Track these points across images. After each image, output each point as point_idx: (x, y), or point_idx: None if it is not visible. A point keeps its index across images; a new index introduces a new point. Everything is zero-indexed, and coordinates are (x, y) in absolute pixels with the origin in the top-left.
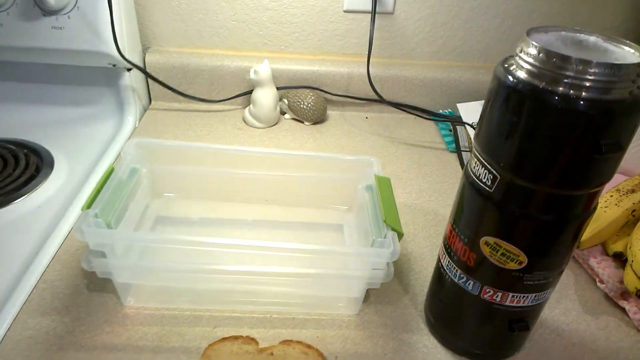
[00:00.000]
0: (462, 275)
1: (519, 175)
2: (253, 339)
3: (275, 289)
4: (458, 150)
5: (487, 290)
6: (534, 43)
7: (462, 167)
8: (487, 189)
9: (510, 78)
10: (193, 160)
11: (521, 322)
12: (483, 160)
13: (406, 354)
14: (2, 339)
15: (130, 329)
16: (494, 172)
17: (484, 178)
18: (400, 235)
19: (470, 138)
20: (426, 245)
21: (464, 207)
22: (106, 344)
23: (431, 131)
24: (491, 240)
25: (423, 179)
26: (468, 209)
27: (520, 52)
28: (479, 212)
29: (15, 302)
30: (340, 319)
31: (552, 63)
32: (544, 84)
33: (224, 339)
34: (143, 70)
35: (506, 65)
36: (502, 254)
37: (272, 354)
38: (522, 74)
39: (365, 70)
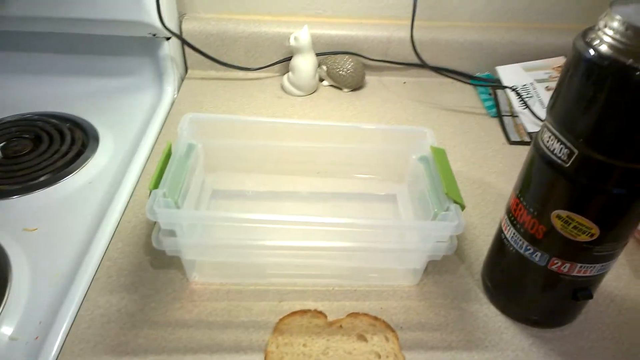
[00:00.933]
0: (528, 247)
1: (599, 151)
2: (321, 313)
3: (336, 262)
4: (499, 116)
5: (555, 261)
6: (620, 18)
7: (504, 133)
8: (562, 163)
9: (593, 53)
10: (244, 134)
11: (585, 291)
12: (559, 135)
13: (468, 322)
14: (75, 317)
15: (199, 304)
16: (571, 147)
17: (559, 152)
18: (462, 208)
19: (510, 102)
20: (476, 214)
21: (534, 179)
22: (178, 320)
23: (470, 96)
24: (563, 213)
25: (466, 146)
26: (538, 182)
27: (605, 26)
28: (551, 186)
29: (81, 281)
30: (401, 290)
31: None
32: (631, 60)
33: (294, 313)
34: (183, 39)
35: (587, 40)
36: (574, 227)
37: (341, 326)
38: (606, 49)
39: (404, 34)
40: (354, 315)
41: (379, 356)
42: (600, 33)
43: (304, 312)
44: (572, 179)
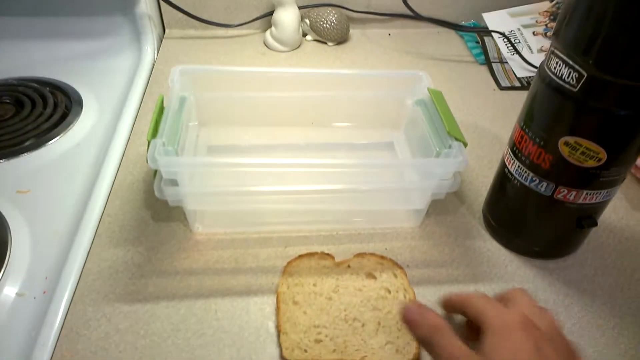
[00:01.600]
0: (534, 178)
1: (608, 71)
2: (329, 254)
3: (339, 206)
4: (488, 62)
5: (562, 190)
6: None
7: (494, 79)
8: (570, 88)
9: None
10: (236, 86)
11: (590, 219)
12: (567, 59)
13: (472, 258)
14: (82, 271)
15: (205, 253)
16: (580, 70)
17: (568, 77)
18: (465, 145)
19: (499, 49)
20: (472, 157)
21: (539, 109)
22: (186, 269)
23: (456, 44)
24: (571, 139)
25: (457, 94)
26: (544, 110)
27: None
28: (558, 112)
29: (84, 237)
30: (405, 231)
31: None
32: None
33: (301, 256)
34: None
35: None
36: (582, 153)
37: (349, 266)
38: None
39: None
40: (360, 255)
41: (389, 291)
42: None
43: (311, 254)
44: (580, 103)
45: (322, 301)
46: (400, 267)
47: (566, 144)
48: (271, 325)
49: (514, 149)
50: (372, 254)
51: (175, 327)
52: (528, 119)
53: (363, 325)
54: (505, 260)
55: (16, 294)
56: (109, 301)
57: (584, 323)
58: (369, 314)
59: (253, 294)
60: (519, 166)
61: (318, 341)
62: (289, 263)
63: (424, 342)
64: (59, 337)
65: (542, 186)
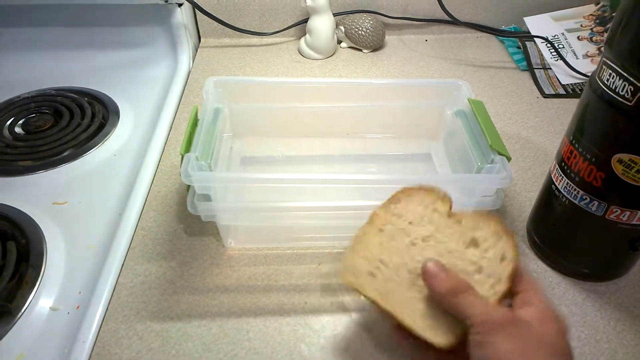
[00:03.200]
0: (584, 197)
1: None
2: (449, 199)
3: None
4: (530, 69)
5: (615, 210)
6: None
7: (537, 86)
8: (625, 102)
9: None
10: (270, 97)
11: None
12: (621, 71)
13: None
14: (115, 286)
15: (237, 269)
16: (636, 83)
17: (622, 90)
18: (508, 159)
19: (541, 54)
20: (516, 170)
21: (591, 123)
22: (218, 286)
23: (497, 50)
24: (625, 157)
25: (498, 102)
26: (597, 125)
27: None
28: (612, 128)
29: (117, 250)
30: None
31: None
32: None
33: (421, 187)
34: (195, 4)
35: None
36: (637, 171)
37: (460, 222)
38: None
39: None
40: (483, 216)
41: (479, 272)
42: None
43: (431, 190)
44: (636, 119)
45: (405, 242)
46: (517, 252)
47: (620, 161)
48: (304, 349)
49: (563, 164)
50: (497, 221)
51: (207, 347)
52: (578, 133)
53: (423, 288)
54: (552, 282)
55: (50, 308)
56: (141, 318)
57: (637, 352)
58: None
59: (286, 313)
60: (567, 183)
61: (372, 275)
62: (402, 190)
63: (448, 298)
64: (90, 355)
65: (593, 205)
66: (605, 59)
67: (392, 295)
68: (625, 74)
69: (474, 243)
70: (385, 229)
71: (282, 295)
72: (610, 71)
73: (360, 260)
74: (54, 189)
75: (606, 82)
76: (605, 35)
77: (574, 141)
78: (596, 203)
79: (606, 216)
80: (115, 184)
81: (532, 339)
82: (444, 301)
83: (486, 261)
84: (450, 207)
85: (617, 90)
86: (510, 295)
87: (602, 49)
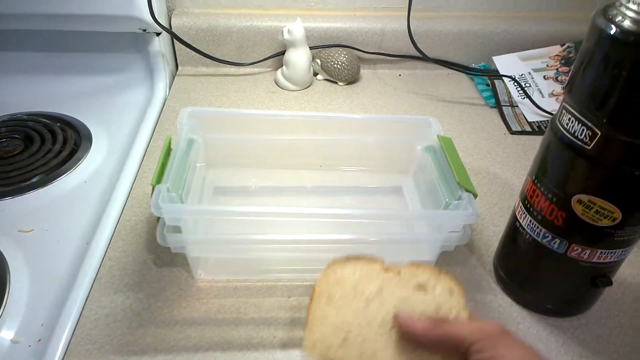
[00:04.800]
0: (546, 234)
1: (623, 131)
2: (378, 259)
3: None
4: (498, 106)
5: (575, 248)
6: None
7: (505, 123)
8: (584, 145)
9: (616, 29)
10: (244, 128)
11: (605, 278)
12: (580, 116)
13: (482, 313)
14: (79, 317)
15: (206, 302)
16: (594, 128)
17: (581, 135)
18: (475, 196)
19: (509, 92)
20: (483, 205)
21: (552, 164)
22: (186, 319)
23: (467, 87)
24: (585, 198)
25: (468, 137)
26: (557, 166)
27: (628, 1)
28: (571, 169)
29: (83, 281)
30: None
31: None
32: None
33: (348, 257)
34: (174, 34)
35: (609, 16)
36: (596, 212)
37: (399, 273)
38: (629, 25)
39: (398, 26)
40: (414, 265)
41: (440, 309)
42: (622, 9)
43: (358, 257)
44: (594, 162)
45: (360, 301)
46: (459, 285)
47: (579, 202)
48: None
49: (526, 202)
50: (429, 266)
51: None
52: (540, 173)
53: (395, 340)
54: (517, 317)
55: (11, 340)
56: (105, 353)
57: None
58: None
59: (254, 348)
60: (530, 221)
61: (345, 340)
62: (333, 262)
63: (434, 332)
64: None
65: (555, 243)
66: (565, 104)
67: (374, 354)
68: (583, 119)
69: (420, 287)
70: (334, 296)
71: (251, 328)
72: (569, 115)
73: (324, 333)
74: (21, 216)
75: (566, 126)
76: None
77: (536, 180)
78: (558, 241)
79: (567, 254)
80: (84, 212)
81: (525, 345)
82: (429, 336)
83: (439, 298)
84: (383, 265)
85: (576, 135)
86: None
87: None
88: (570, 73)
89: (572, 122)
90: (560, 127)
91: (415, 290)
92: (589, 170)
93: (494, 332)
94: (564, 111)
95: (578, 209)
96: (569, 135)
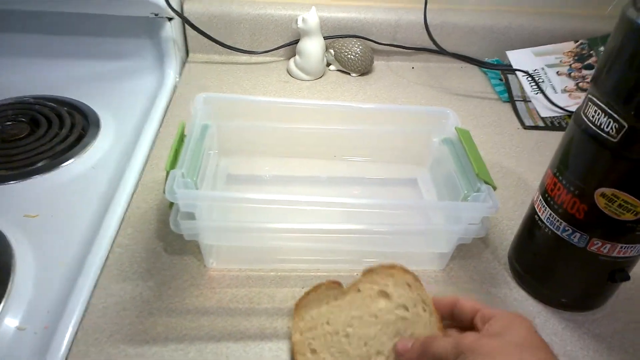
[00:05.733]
0: (567, 228)
1: None
2: (335, 282)
3: (360, 247)
4: (512, 100)
5: (595, 242)
6: None
7: (518, 118)
8: (609, 138)
9: None
10: (259, 116)
11: (623, 272)
12: (607, 108)
13: (498, 307)
14: (87, 306)
15: (218, 291)
16: (621, 120)
17: (607, 127)
18: (494, 189)
19: (522, 87)
20: (498, 198)
21: (575, 156)
22: (198, 308)
23: (481, 81)
24: (608, 191)
25: (481, 131)
26: (581, 159)
27: None
28: (595, 162)
29: (91, 268)
30: (428, 275)
31: None
32: None
33: (307, 293)
34: (186, 19)
35: None
36: (619, 206)
37: (359, 290)
38: None
39: (413, 17)
40: (369, 271)
41: (407, 309)
42: None
43: (317, 287)
44: (620, 155)
45: (339, 341)
46: (412, 274)
47: (603, 195)
48: None
49: (546, 195)
50: (381, 266)
51: None
52: (562, 165)
53: (387, 357)
54: (532, 311)
55: (16, 327)
56: (114, 342)
57: None
58: (391, 343)
59: (267, 338)
60: (550, 214)
61: None
62: (296, 305)
63: (422, 358)
64: None
65: (575, 237)
66: (590, 96)
67: None
68: (610, 112)
69: (382, 295)
70: (315, 346)
71: (264, 319)
72: (595, 108)
73: None
74: (26, 200)
75: (591, 119)
76: (584, 71)
77: (557, 173)
78: (578, 235)
79: (587, 248)
80: (91, 198)
81: (504, 346)
82: None
83: (401, 298)
84: (342, 287)
85: (601, 127)
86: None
87: (580, 84)
88: (597, 65)
89: (597, 114)
90: (585, 119)
91: (379, 300)
92: (613, 163)
93: (468, 345)
94: (589, 103)
95: (601, 203)
96: (594, 128)
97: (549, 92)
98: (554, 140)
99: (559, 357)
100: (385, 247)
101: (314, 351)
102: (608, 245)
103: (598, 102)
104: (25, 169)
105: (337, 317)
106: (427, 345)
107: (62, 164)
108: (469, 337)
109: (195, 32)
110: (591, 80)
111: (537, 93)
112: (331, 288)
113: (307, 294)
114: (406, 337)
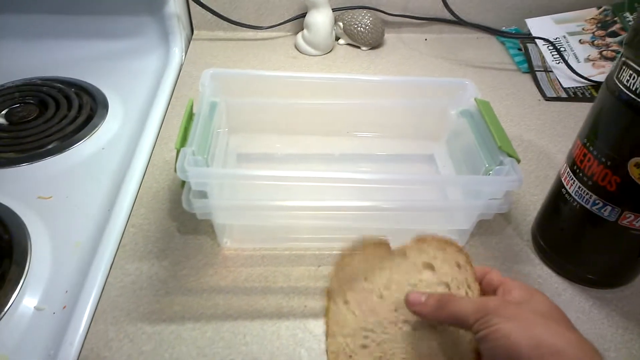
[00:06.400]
0: (597, 201)
1: None
2: (383, 242)
3: (376, 224)
4: (532, 71)
5: (628, 215)
6: None
7: (539, 89)
8: None
9: None
10: (268, 91)
11: None
12: None
13: None
14: (104, 285)
15: (233, 270)
16: None
17: None
18: (518, 162)
19: (543, 56)
20: None
21: (607, 125)
22: (213, 287)
23: (497, 51)
24: None
25: (500, 104)
26: (613, 127)
27: None
28: (629, 130)
29: (107, 248)
30: None
31: None
32: None
33: (354, 245)
34: None
35: None
36: None
37: (405, 255)
38: None
39: None
40: (420, 240)
41: (449, 287)
42: None
43: (365, 242)
44: None
45: (372, 300)
46: (465, 255)
47: (637, 165)
48: (304, 354)
49: (575, 167)
50: (434, 238)
51: (202, 351)
52: (592, 135)
53: (414, 329)
54: (558, 289)
55: (35, 307)
56: (132, 320)
57: None
58: None
59: (284, 317)
60: (579, 187)
61: (364, 347)
62: (341, 255)
63: (439, 313)
64: (78, 358)
65: (605, 210)
66: (625, 59)
67: (395, 355)
68: None
69: (427, 266)
70: (349, 298)
71: (281, 297)
72: (630, 71)
73: (345, 340)
74: (39, 182)
75: (626, 83)
76: (608, 39)
77: (587, 143)
78: (609, 208)
79: (619, 222)
80: (103, 179)
81: (528, 313)
82: (437, 318)
83: (446, 276)
84: (389, 248)
85: (638, 91)
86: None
87: (604, 52)
88: (632, 26)
89: (633, 78)
90: (619, 84)
91: (423, 271)
92: None
93: (492, 308)
94: (623, 67)
95: (635, 173)
96: (628, 93)
97: (571, 61)
98: (577, 111)
99: (586, 336)
100: (402, 224)
101: (346, 302)
102: None
103: (633, 64)
104: (36, 151)
105: (377, 277)
106: (445, 302)
107: (73, 146)
108: (493, 300)
109: (200, 8)
110: (625, 43)
111: (558, 62)
112: (378, 247)
113: (354, 247)
114: (419, 291)
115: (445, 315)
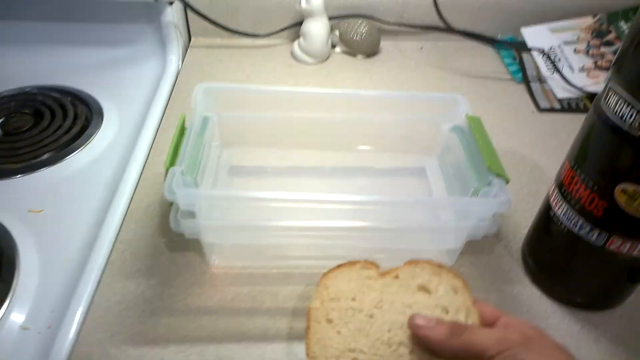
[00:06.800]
0: (584, 225)
1: None
2: (372, 263)
3: (365, 244)
4: (526, 81)
5: (615, 241)
6: None
7: (533, 100)
8: (631, 131)
9: None
10: (261, 105)
11: None
12: (630, 98)
13: (511, 306)
14: (90, 305)
15: (221, 289)
16: None
17: (629, 118)
18: (506, 182)
19: (537, 67)
20: (511, 188)
21: (594, 148)
22: (199, 307)
23: (493, 60)
24: (630, 187)
25: (493, 115)
26: (600, 152)
27: None
28: (616, 156)
29: (94, 265)
30: None
31: None
32: None
33: (340, 265)
34: (186, 3)
35: None
36: None
37: (397, 277)
38: None
39: None
40: (413, 263)
41: (447, 311)
42: None
43: (351, 264)
44: None
45: (361, 319)
46: (462, 280)
47: (624, 191)
48: None
49: (563, 189)
50: (428, 262)
51: None
52: (580, 158)
53: (410, 351)
54: (547, 310)
55: (20, 326)
56: (116, 342)
57: None
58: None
59: (270, 339)
60: (567, 210)
61: None
62: (325, 274)
63: (452, 342)
64: None
65: (592, 235)
66: (612, 84)
67: None
68: (634, 102)
69: (421, 289)
70: (333, 317)
71: (267, 319)
72: (617, 97)
73: None
74: (31, 195)
75: (613, 109)
76: (602, 49)
77: (575, 166)
78: (597, 233)
79: (606, 247)
80: (95, 192)
81: (549, 347)
82: (448, 346)
83: (444, 299)
84: (378, 269)
85: (623, 118)
86: None
87: (598, 62)
88: (620, 48)
89: (619, 104)
90: (606, 109)
91: (417, 292)
92: (636, 158)
93: (517, 341)
94: (610, 91)
95: (621, 200)
96: (614, 118)
97: (565, 71)
98: (570, 123)
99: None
100: (391, 243)
101: (330, 321)
102: (628, 244)
103: (620, 90)
104: (30, 162)
105: (366, 296)
106: (460, 330)
107: (67, 157)
108: (513, 333)
109: (197, 16)
110: (613, 65)
111: (553, 73)
112: (366, 267)
113: (339, 266)
114: (426, 316)
115: (459, 344)
